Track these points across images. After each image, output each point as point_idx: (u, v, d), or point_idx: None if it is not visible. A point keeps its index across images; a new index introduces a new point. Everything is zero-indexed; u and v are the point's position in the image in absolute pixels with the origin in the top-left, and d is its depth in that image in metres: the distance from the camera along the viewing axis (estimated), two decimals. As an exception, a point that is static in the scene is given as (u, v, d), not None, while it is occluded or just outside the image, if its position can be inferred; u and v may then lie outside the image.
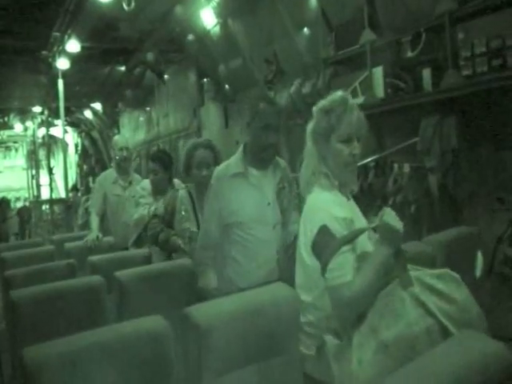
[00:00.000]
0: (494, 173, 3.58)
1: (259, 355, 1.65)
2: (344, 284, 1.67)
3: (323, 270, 1.73)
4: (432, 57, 4.08)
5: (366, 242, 1.83)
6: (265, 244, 2.47)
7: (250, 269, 2.46)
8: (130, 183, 4.52)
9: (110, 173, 4.61)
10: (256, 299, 1.73)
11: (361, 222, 1.99)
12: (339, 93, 1.94)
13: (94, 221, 4.37)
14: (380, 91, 4.34)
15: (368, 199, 4.65)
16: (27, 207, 11.26)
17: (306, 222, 1.91)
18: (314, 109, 1.97)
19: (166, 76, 9.54)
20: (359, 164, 4.64)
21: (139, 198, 3.87)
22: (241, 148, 2.53)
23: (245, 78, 6.93)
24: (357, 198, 4.77)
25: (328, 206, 1.86)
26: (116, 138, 4.88)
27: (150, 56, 8.46)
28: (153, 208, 3.59)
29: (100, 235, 4.16)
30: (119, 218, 4.40)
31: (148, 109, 11.06)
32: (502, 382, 1.09)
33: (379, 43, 4.49)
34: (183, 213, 3.08)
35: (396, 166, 4.30)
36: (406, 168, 4.15)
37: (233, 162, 2.51)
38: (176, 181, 3.90)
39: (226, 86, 7.65)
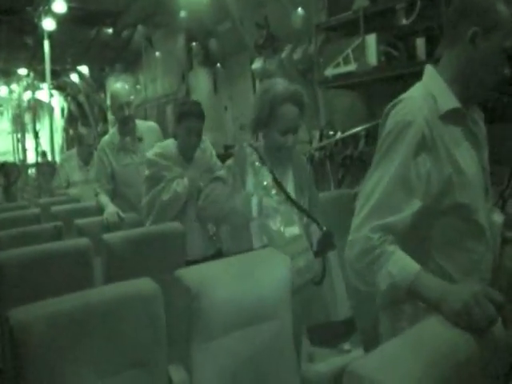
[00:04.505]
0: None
1: (250, 319, 1.64)
2: None
3: None
4: (426, 25, 4.02)
5: None
6: (488, 240, 1.48)
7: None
8: (140, 139, 3.63)
9: (111, 140, 3.68)
10: (247, 263, 1.71)
11: None
12: None
13: (104, 198, 3.54)
14: (373, 59, 4.28)
15: (358, 168, 4.63)
16: (15, 164, 10.38)
17: None
18: None
19: (153, 39, 9.37)
20: (350, 132, 4.68)
21: (162, 171, 2.96)
22: (430, 69, 1.55)
23: (234, 43, 6.82)
24: (347, 167, 4.80)
25: None
26: (114, 90, 3.69)
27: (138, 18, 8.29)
28: (186, 182, 2.92)
29: (120, 211, 3.38)
30: (137, 189, 3.41)
31: (136, 73, 10.88)
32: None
33: (373, 10, 4.41)
34: (265, 182, 2.23)
35: (387, 135, 4.27)
36: (397, 137, 4.12)
37: (437, 92, 1.46)
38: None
39: (215, 51, 7.53)
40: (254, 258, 1.77)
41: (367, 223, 1.34)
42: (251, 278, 1.66)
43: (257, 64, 6.21)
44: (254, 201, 2.18)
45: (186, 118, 2.95)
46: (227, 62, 7.38)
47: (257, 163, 2.26)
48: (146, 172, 3.05)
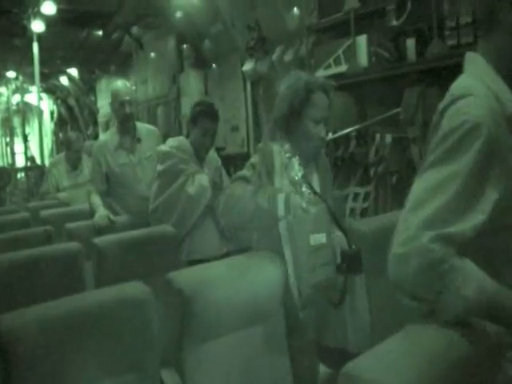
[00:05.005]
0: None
1: (242, 322, 1.63)
2: None
3: None
4: (417, 26, 4.03)
5: None
6: None
7: None
8: (139, 140, 3.56)
9: (110, 139, 3.60)
10: (240, 265, 1.70)
11: None
12: None
13: (96, 199, 3.46)
14: (364, 60, 4.29)
15: (349, 169, 4.64)
16: (5, 169, 10.32)
17: None
18: None
19: (144, 41, 9.34)
20: (340, 134, 4.69)
21: (180, 164, 2.95)
22: (477, 57, 1.32)
23: (226, 44, 6.80)
24: (338, 167, 4.80)
25: None
26: (115, 88, 3.58)
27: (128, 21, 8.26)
28: (206, 177, 2.91)
29: (110, 214, 3.33)
30: (133, 191, 3.50)
31: (126, 75, 10.84)
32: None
33: (363, 11, 4.42)
34: (296, 177, 2.02)
35: (378, 136, 4.28)
36: (388, 138, 4.13)
37: (496, 87, 1.25)
38: None
39: (206, 53, 7.51)
40: (247, 260, 1.76)
41: (424, 233, 1.12)
42: (244, 281, 1.65)
43: (248, 66, 6.20)
44: (281, 198, 1.95)
45: (201, 119, 2.97)
46: (218, 63, 7.36)
47: (287, 155, 2.06)
48: (160, 167, 2.98)
